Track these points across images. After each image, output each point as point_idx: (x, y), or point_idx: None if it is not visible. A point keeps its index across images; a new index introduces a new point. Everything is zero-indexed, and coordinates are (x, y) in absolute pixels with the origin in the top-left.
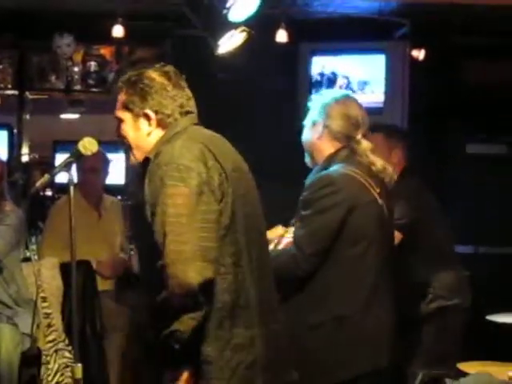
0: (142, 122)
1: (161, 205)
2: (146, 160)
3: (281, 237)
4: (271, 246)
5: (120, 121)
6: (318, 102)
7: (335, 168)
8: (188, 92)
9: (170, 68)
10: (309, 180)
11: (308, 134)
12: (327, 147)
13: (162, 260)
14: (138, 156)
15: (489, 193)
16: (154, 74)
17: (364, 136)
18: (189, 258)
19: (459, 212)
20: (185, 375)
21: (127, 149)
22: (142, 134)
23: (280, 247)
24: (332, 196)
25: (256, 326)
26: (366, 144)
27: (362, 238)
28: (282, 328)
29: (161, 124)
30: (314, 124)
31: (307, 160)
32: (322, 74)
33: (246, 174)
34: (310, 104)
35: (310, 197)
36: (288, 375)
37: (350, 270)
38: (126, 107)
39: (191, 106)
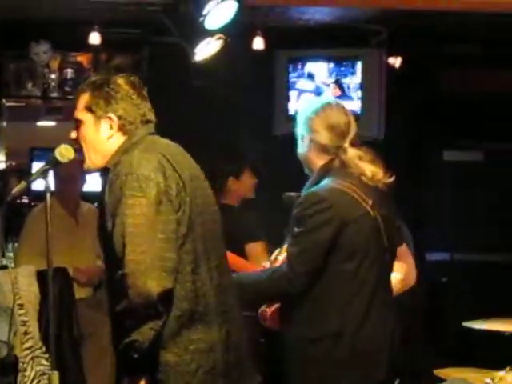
0: (104, 125)
1: (120, 215)
2: (106, 169)
3: (275, 258)
4: (267, 265)
5: (79, 123)
6: (301, 114)
7: (325, 183)
8: (149, 104)
9: (135, 78)
10: (303, 193)
11: (300, 148)
12: (317, 160)
13: (122, 270)
14: (94, 159)
15: (465, 200)
16: (120, 81)
17: (352, 142)
18: (148, 269)
19: (436, 219)
20: (142, 382)
21: (80, 153)
22: (102, 137)
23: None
24: (322, 214)
25: (215, 332)
26: (352, 152)
27: (355, 253)
28: (242, 335)
29: (122, 129)
30: (302, 138)
31: (307, 171)
32: (297, 81)
33: (202, 183)
34: (296, 115)
35: (301, 214)
36: (250, 380)
37: (345, 284)
38: (89, 109)
39: (152, 116)
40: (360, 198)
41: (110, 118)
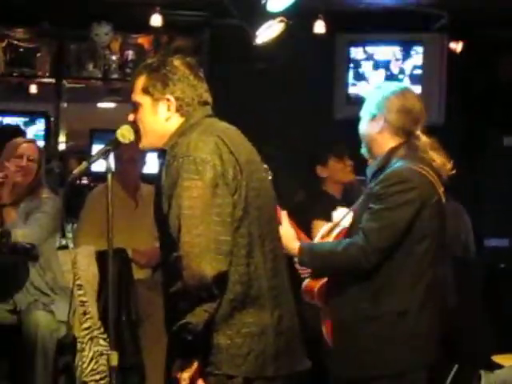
0: (161, 106)
1: (176, 197)
2: (163, 151)
3: (330, 230)
4: (317, 239)
5: (137, 105)
6: (376, 94)
7: (404, 164)
8: (206, 85)
9: (191, 59)
10: (369, 171)
11: (367, 127)
12: (387, 142)
13: (177, 252)
14: (151, 140)
15: None
16: (176, 62)
17: (422, 130)
18: (203, 251)
19: (496, 204)
20: (194, 365)
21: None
22: (160, 118)
23: (330, 239)
24: (405, 193)
25: (267, 316)
26: (425, 139)
27: (426, 237)
28: (295, 319)
29: (179, 110)
30: (374, 117)
31: (364, 152)
32: (359, 65)
33: (259, 166)
34: (367, 96)
35: (383, 191)
36: (300, 364)
37: (413, 266)
38: (146, 91)
39: (209, 97)
40: (436, 182)
41: (167, 100)
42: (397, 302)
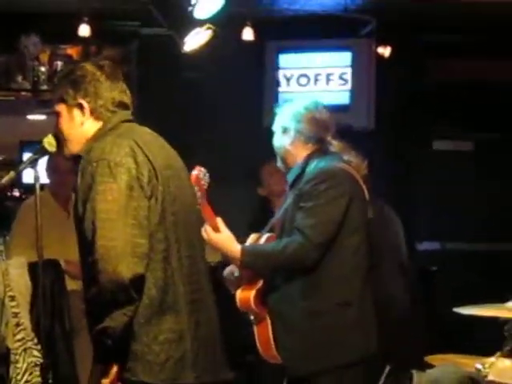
0: (76, 112)
1: (91, 201)
2: (78, 157)
3: (257, 238)
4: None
5: (57, 114)
6: (287, 109)
7: (327, 163)
8: (123, 85)
9: (105, 61)
10: (291, 176)
11: (280, 140)
12: (300, 151)
13: (92, 255)
14: (70, 147)
15: (455, 189)
16: (87, 66)
17: (333, 138)
18: (119, 254)
19: (426, 208)
20: (113, 369)
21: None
22: (76, 123)
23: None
24: (335, 188)
25: (185, 322)
26: (337, 143)
27: (357, 230)
28: (214, 325)
29: (93, 113)
30: (285, 131)
31: (279, 164)
32: (287, 72)
33: (179, 172)
34: (278, 111)
35: (313, 189)
36: (222, 374)
37: (348, 259)
38: (61, 99)
39: (126, 98)
40: (359, 180)
41: (80, 104)
42: (338, 294)
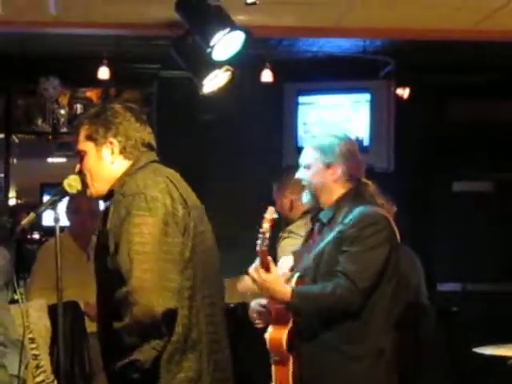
0: (105, 150)
1: (126, 233)
2: (110, 192)
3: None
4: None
5: (82, 154)
6: (324, 142)
7: (367, 207)
8: (148, 128)
9: (132, 104)
10: (326, 215)
11: (320, 176)
12: (339, 189)
13: (126, 287)
14: (98, 187)
15: (476, 230)
16: (117, 107)
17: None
18: (153, 287)
19: (447, 250)
20: None
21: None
22: (105, 162)
23: None
24: (379, 234)
25: (205, 362)
26: (372, 186)
27: (394, 276)
28: (230, 367)
29: (123, 152)
30: (329, 166)
31: (308, 200)
32: (308, 114)
33: (203, 213)
34: (311, 144)
35: (358, 234)
36: None
37: (385, 306)
38: (90, 138)
39: (152, 140)
40: (393, 224)
41: (110, 143)
42: (375, 341)
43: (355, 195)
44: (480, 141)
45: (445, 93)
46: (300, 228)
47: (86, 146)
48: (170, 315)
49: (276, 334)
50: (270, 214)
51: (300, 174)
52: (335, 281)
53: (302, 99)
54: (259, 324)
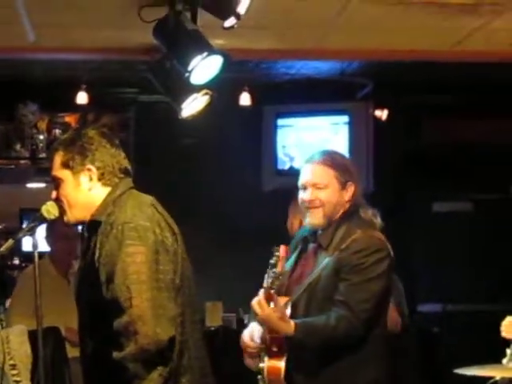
0: (83, 177)
1: (121, 263)
2: (92, 221)
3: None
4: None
5: (59, 181)
6: (339, 160)
7: (369, 232)
8: (122, 152)
9: (105, 128)
10: (326, 237)
11: (336, 195)
12: (341, 207)
13: (126, 316)
14: (76, 213)
15: (456, 250)
16: (91, 133)
17: None
18: (154, 315)
19: (427, 270)
20: None
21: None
22: (83, 189)
23: None
24: (381, 263)
25: None
26: (365, 202)
27: (388, 303)
28: None
29: (101, 179)
30: (345, 185)
31: (320, 221)
32: (287, 137)
33: (182, 239)
34: (325, 162)
35: (360, 262)
36: None
37: (382, 335)
38: (66, 165)
39: (128, 165)
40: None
41: (88, 170)
42: (373, 371)
43: (351, 215)
44: (459, 161)
45: (423, 113)
46: None
47: (62, 173)
48: (172, 342)
49: (275, 364)
50: (282, 252)
51: (313, 194)
52: (337, 312)
53: (280, 122)
54: (251, 350)
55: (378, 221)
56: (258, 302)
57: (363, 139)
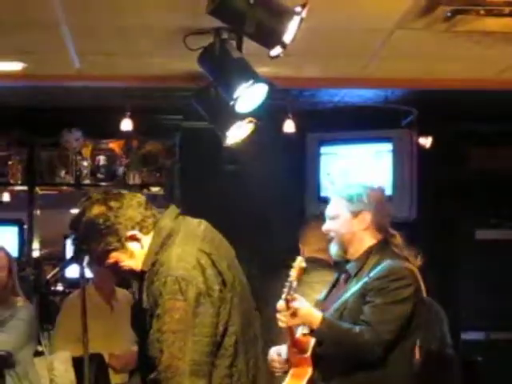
0: (130, 245)
1: (158, 319)
2: (142, 272)
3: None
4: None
5: (114, 263)
6: (351, 191)
7: (394, 261)
8: (136, 196)
9: (99, 193)
10: (354, 267)
11: (349, 224)
12: (369, 239)
13: (156, 374)
14: (137, 267)
15: (499, 278)
16: (94, 211)
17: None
18: (183, 374)
19: (471, 298)
20: None
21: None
22: (139, 254)
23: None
24: (404, 289)
25: None
26: (399, 237)
27: (414, 331)
28: None
29: (143, 231)
30: (357, 214)
31: (335, 251)
32: (330, 164)
33: (237, 265)
34: (338, 194)
35: (384, 286)
36: None
37: (405, 359)
38: (109, 250)
39: (152, 209)
40: (420, 278)
41: (130, 236)
42: None
43: (383, 247)
44: (502, 189)
45: (467, 141)
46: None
47: (112, 257)
48: None
49: (296, 382)
50: (298, 263)
51: (327, 225)
52: (361, 327)
53: (324, 149)
54: (277, 372)
55: (410, 253)
56: (281, 304)
57: (407, 167)
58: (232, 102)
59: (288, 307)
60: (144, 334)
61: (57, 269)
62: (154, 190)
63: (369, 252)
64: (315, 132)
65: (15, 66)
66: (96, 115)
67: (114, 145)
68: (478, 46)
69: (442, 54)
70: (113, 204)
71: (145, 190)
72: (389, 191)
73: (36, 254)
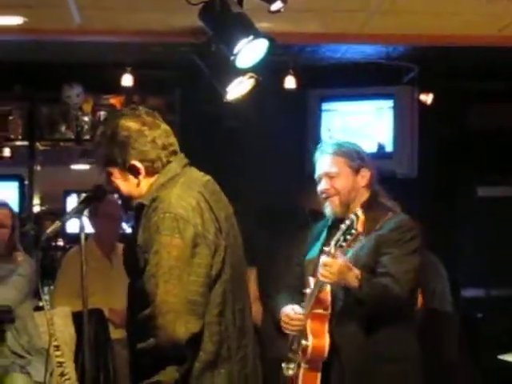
0: (129, 174)
1: (154, 254)
2: (140, 205)
3: None
4: None
5: (108, 174)
6: (349, 148)
7: (402, 214)
8: (165, 127)
9: (140, 110)
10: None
11: (351, 181)
12: (365, 194)
13: (151, 309)
14: (131, 202)
15: (500, 235)
16: (128, 123)
17: None
18: (178, 311)
19: (471, 255)
20: None
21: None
22: (132, 183)
23: None
24: (416, 240)
25: (235, 377)
26: (381, 190)
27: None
28: (259, 380)
29: (148, 172)
30: (358, 170)
31: (336, 209)
32: (331, 121)
33: (233, 220)
34: (335, 152)
35: (399, 237)
36: None
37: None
38: (111, 161)
39: (173, 142)
40: None
41: (133, 166)
42: (414, 346)
43: (374, 203)
44: (504, 146)
45: (468, 98)
46: None
47: (110, 169)
48: (194, 339)
49: (319, 342)
50: (360, 214)
51: (326, 183)
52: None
53: (325, 106)
54: (292, 329)
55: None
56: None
57: (408, 124)
58: (232, 57)
59: (332, 263)
60: (134, 271)
61: (57, 222)
62: None
63: (362, 207)
64: (316, 88)
65: (16, 21)
66: (97, 70)
67: (115, 100)
68: (480, 1)
69: (443, 10)
70: (143, 127)
71: None
72: (389, 148)
73: (36, 209)
